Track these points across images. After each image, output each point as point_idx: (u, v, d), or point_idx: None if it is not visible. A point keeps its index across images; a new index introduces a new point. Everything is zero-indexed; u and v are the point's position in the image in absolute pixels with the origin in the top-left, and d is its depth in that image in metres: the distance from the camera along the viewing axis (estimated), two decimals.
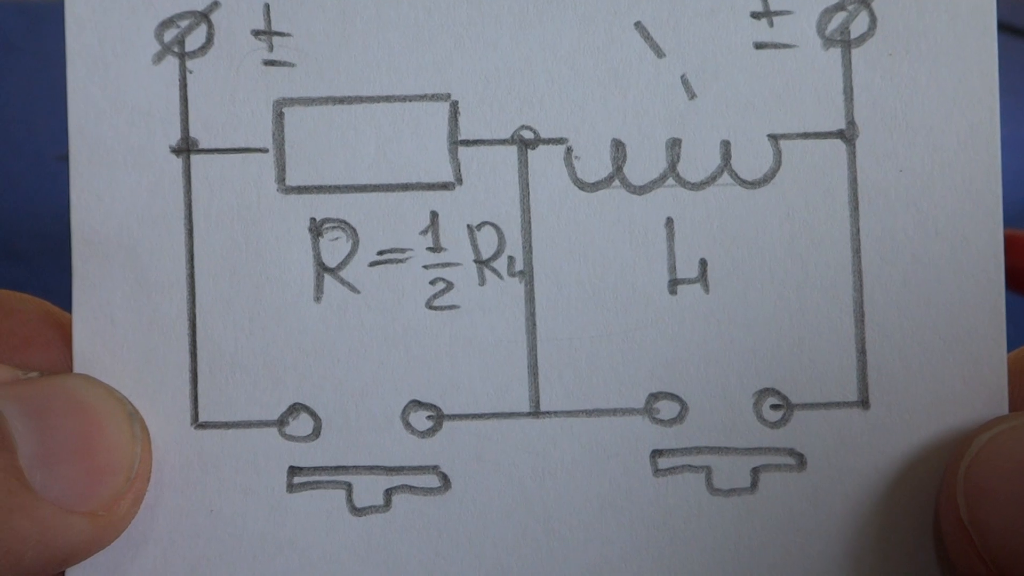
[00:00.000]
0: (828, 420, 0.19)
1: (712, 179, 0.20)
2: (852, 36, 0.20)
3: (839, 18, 0.20)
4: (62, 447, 0.18)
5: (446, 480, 0.20)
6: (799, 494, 0.19)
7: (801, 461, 0.19)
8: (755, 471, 0.19)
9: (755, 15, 0.20)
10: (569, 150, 0.20)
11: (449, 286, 0.20)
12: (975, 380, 0.19)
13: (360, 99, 0.20)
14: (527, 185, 0.20)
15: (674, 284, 0.20)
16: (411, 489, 0.20)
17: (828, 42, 0.20)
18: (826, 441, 0.19)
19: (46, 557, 0.17)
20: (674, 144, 0.20)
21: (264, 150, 0.20)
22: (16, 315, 0.20)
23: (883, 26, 0.20)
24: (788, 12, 0.20)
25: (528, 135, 0.20)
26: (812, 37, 0.20)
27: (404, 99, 0.20)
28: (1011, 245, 0.20)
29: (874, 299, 0.20)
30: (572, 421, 0.20)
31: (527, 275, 0.20)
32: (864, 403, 0.19)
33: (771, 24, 0.20)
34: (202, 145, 0.20)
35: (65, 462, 0.18)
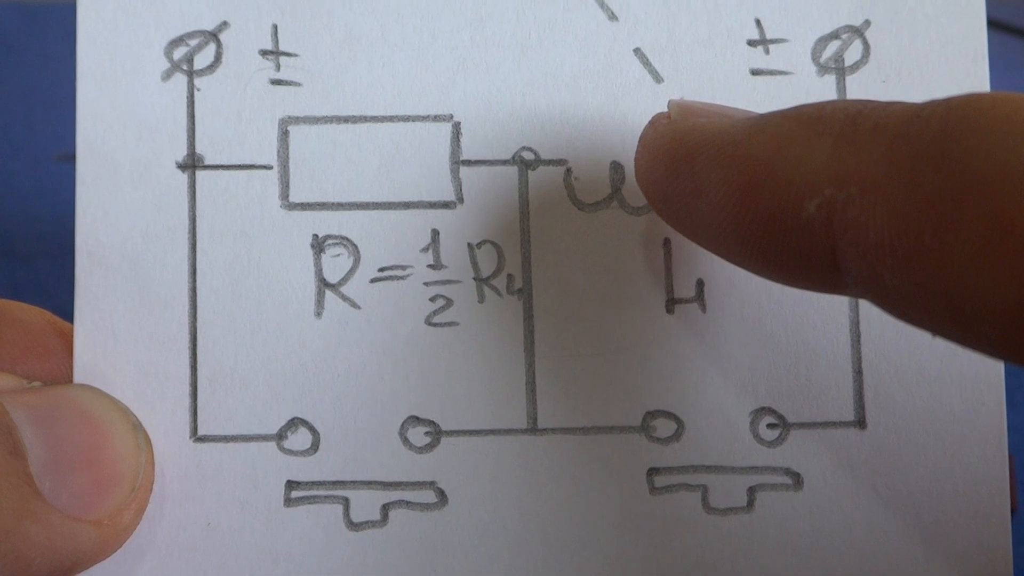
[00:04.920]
0: (824, 439, 0.20)
1: None
2: (846, 64, 0.20)
3: (833, 46, 0.20)
4: (70, 456, 0.18)
5: (443, 496, 0.20)
6: (795, 514, 0.19)
7: (797, 480, 0.20)
8: (751, 490, 0.20)
9: (751, 43, 0.20)
10: (569, 171, 0.20)
11: (449, 303, 0.20)
12: (972, 399, 0.19)
13: (364, 118, 0.20)
14: (527, 205, 0.20)
15: (671, 303, 0.20)
16: (408, 504, 0.20)
17: (823, 69, 0.20)
18: (822, 461, 0.19)
19: (54, 564, 0.17)
20: None
21: (269, 167, 0.20)
22: (18, 325, 0.20)
23: (876, 54, 0.20)
24: (784, 40, 0.20)
25: (528, 156, 0.20)
26: (807, 64, 0.20)
27: (407, 119, 0.20)
28: None
29: (870, 319, 0.20)
30: (569, 438, 0.20)
31: (526, 293, 0.20)
32: (860, 423, 0.20)
33: (767, 51, 0.20)
34: (208, 161, 0.20)
35: (73, 470, 0.18)
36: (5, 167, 0.41)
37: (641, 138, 0.17)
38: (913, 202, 0.13)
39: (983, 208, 0.12)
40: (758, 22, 0.20)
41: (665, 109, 0.20)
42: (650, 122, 0.17)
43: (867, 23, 0.20)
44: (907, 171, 0.13)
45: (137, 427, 0.19)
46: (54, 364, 0.20)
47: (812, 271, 0.14)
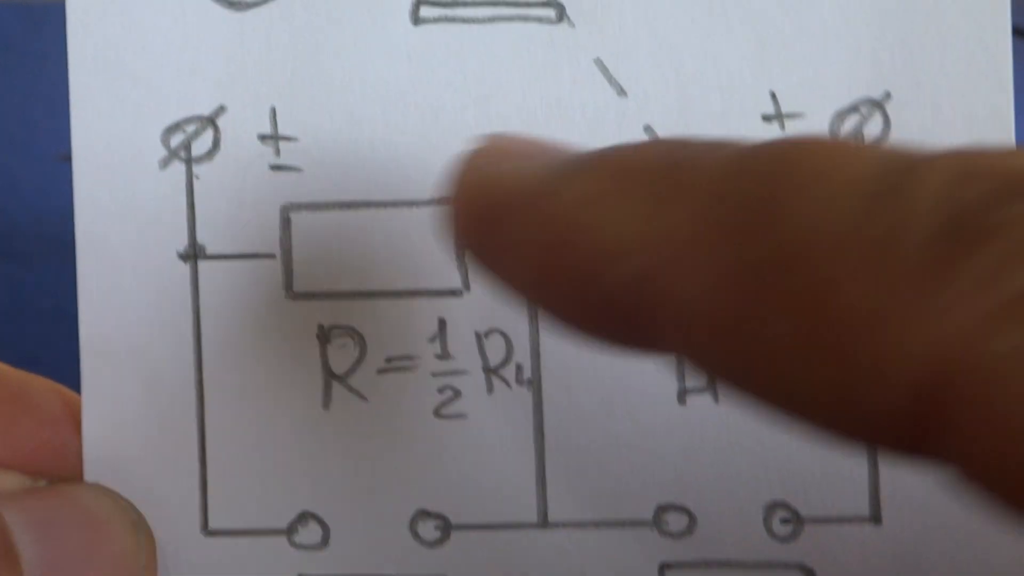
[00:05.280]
0: (839, 535, 0.19)
1: None
2: (865, 139, 0.19)
3: (852, 120, 0.19)
4: (67, 559, 0.18)
5: None
6: None
7: None
8: None
9: (766, 117, 0.19)
10: None
11: (457, 394, 0.20)
12: None
13: (368, 204, 0.20)
14: None
15: (683, 394, 0.19)
16: None
17: None
18: (836, 556, 0.19)
19: None
20: None
21: (271, 256, 0.20)
22: (34, 413, 0.20)
23: (897, 129, 0.19)
24: (800, 115, 0.19)
25: None
26: None
27: (412, 204, 0.20)
28: None
29: None
30: (580, 532, 0.19)
31: (535, 383, 0.20)
32: (876, 518, 0.19)
33: (783, 127, 0.19)
34: (209, 251, 0.20)
35: (70, 573, 0.18)
36: (5, 167, 0.41)
37: (450, 184, 0.15)
38: (729, 273, 0.12)
39: (797, 283, 0.11)
40: (773, 95, 0.19)
41: None
42: (459, 164, 0.15)
43: (887, 95, 0.19)
44: (724, 236, 0.12)
45: (139, 525, 0.19)
46: (69, 451, 0.20)
47: (628, 340, 0.13)
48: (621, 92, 0.20)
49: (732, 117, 0.19)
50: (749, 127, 0.19)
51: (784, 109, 0.19)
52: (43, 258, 0.39)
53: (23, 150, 0.41)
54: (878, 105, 0.19)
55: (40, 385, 0.20)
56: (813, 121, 0.19)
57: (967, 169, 0.11)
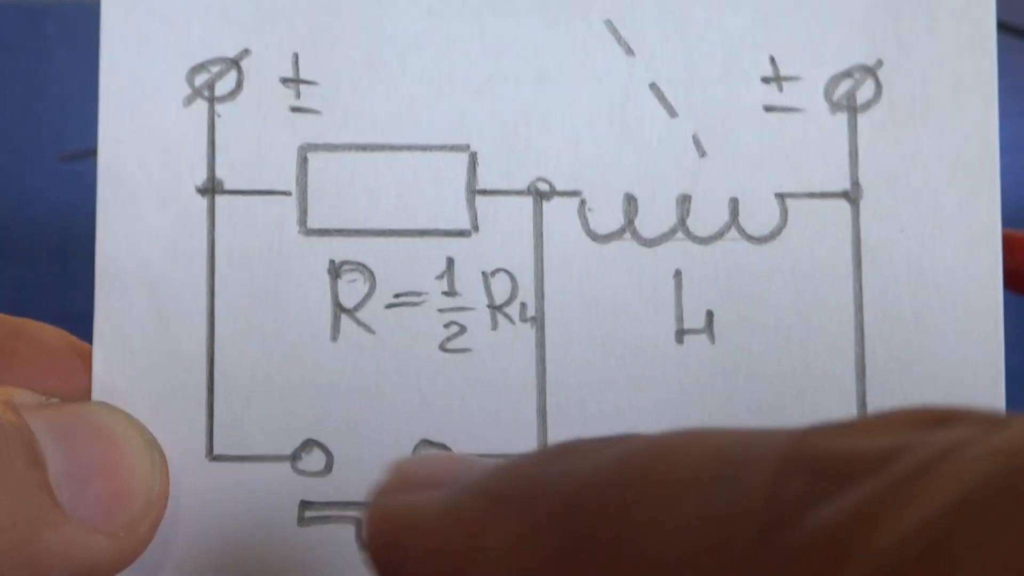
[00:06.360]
0: None
1: (720, 234, 0.20)
2: (858, 102, 0.21)
3: (846, 85, 0.21)
4: (87, 469, 0.19)
5: None
6: None
7: None
8: None
9: (765, 80, 0.21)
10: (583, 202, 0.20)
11: (462, 330, 0.20)
12: None
13: (382, 147, 0.21)
14: (541, 235, 0.20)
15: (681, 334, 0.20)
16: None
17: (835, 107, 0.21)
18: None
19: (70, 574, 0.18)
20: (684, 200, 0.20)
21: (287, 193, 0.20)
22: (38, 344, 0.20)
23: (888, 93, 0.20)
24: (797, 78, 0.21)
25: (544, 187, 0.20)
26: (820, 102, 0.21)
27: (425, 148, 0.21)
28: (1012, 246, 0.20)
29: (875, 354, 0.20)
30: None
31: (539, 321, 0.20)
32: None
33: (780, 89, 0.21)
34: (227, 186, 0.20)
35: (90, 483, 0.19)
36: (5, 167, 0.41)
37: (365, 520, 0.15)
38: None
39: None
40: (772, 60, 0.21)
41: (682, 143, 0.20)
42: (369, 503, 0.15)
43: (880, 63, 0.20)
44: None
45: (152, 444, 0.20)
46: (73, 383, 0.20)
47: None
48: (629, 51, 0.21)
49: (733, 78, 0.21)
50: (749, 88, 0.21)
51: (782, 72, 0.21)
52: (43, 258, 0.40)
53: (23, 150, 0.41)
54: (870, 71, 0.21)
55: (37, 324, 0.21)
56: (809, 84, 0.21)
57: (789, 462, 0.11)
